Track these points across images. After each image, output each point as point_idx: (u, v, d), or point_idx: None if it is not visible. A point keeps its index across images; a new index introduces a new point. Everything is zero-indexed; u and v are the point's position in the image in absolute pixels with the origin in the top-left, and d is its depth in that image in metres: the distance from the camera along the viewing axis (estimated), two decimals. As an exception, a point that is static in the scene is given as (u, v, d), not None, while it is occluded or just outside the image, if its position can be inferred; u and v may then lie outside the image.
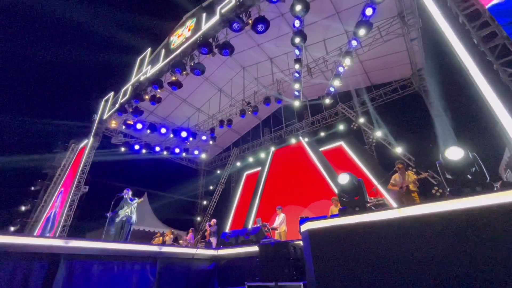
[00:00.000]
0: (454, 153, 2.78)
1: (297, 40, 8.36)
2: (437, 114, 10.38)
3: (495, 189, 2.61)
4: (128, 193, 6.66)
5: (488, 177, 2.67)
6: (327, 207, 9.31)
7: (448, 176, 2.84)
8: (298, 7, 7.30)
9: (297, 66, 10.01)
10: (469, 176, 2.72)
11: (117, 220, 6.33)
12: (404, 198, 5.81)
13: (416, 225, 2.61)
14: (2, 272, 3.19)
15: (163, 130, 12.92)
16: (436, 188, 8.92)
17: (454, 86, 8.46)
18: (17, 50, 24.23)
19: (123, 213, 6.38)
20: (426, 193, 8.02)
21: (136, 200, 6.55)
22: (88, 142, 12.69)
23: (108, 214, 6.31)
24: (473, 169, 2.70)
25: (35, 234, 12.66)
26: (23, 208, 15.80)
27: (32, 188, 16.48)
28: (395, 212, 2.79)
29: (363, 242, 2.86)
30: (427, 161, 9.66)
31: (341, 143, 12.60)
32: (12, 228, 15.27)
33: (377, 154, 12.33)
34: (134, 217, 6.49)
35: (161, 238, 10.89)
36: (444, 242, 2.41)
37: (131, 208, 6.43)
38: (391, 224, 2.77)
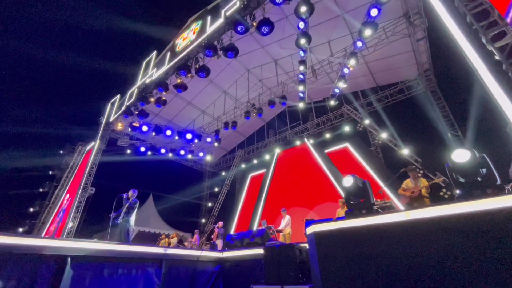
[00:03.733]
0: (461, 155, 2.73)
1: (302, 41, 8.35)
2: (444, 115, 10.25)
3: (506, 191, 2.54)
4: (128, 195, 6.63)
5: (498, 179, 2.61)
6: (332, 209, 9.23)
7: (460, 180, 2.78)
8: (303, 9, 7.30)
9: (301, 68, 10.00)
10: (479, 179, 2.66)
11: (117, 222, 6.34)
12: (416, 203, 5.72)
13: (424, 228, 2.56)
14: (10, 273, 3.23)
15: (169, 132, 13.02)
16: (444, 190, 8.77)
17: (462, 86, 8.34)
18: (25, 53, 24.77)
19: (121, 214, 6.38)
20: (434, 195, 7.89)
21: (129, 202, 6.50)
22: (95, 144, 12.85)
23: (111, 216, 6.33)
24: (483, 170, 2.64)
25: (42, 235, 12.83)
26: (31, 209, 16.07)
27: (40, 190, 16.76)
28: (403, 215, 2.74)
29: (370, 245, 2.82)
30: (435, 163, 9.52)
31: (347, 145, 12.50)
32: (20, 229, 15.52)
33: (383, 155, 12.20)
34: (131, 219, 6.45)
35: (166, 239, 10.93)
36: (453, 245, 2.35)
37: (128, 209, 6.41)
38: (399, 227, 2.72)
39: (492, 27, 3.92)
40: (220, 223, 10.84)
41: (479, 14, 4.10)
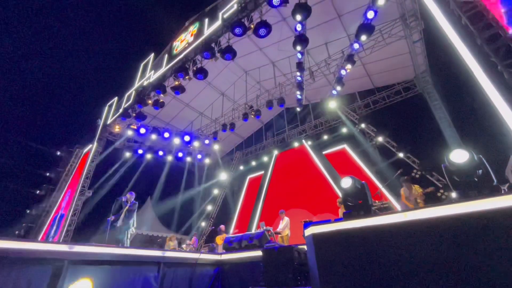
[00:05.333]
0: (459, 156, 2.74)
1: (299, 44, 8.38)
2: (441, 116, 10.31)
3: (502, 192, 2.56)
4: (126, 198, 6.59)
5: (495, 180, 2.62)
6: (330, 210, 9.24)
7: (456, 179, 2.79)
8: (300, 12, 7.33)
9: (299, 70, 10.03)
10: (476, 179, 2.67)
11: (118, 225, 6.30)
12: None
13: (422, 229, 2.57)
14: (6, 278, 3.19)
15: (166, 135, 12.99)
16: (441, 191, 8.81)
17: (458, 88, 8.41)
18: (24, 57, 24.66)
19: (120, 217, 6.35)
20: (431, 196, 7.93)
21: (128, 205, 6.46)
22: (92, 147, 12.79)
23: (109, 219, 6.30)
24: (480, 171, 2.66)
25: (39, 239, 12.71)
26: (27, 212, 15.94)
27: (37, 192, 16.65)
28: (401, 216, 2.75)
29: (369, 246, 2.82)
30: (432, 163, 9.57)
31: (345, 146, 12.54)
32: (17, 233, 15.38)
33: (381, 156, 12.23)
34: (131, 222, 6.41)
35: (171, 243, 10.79)
36: (451, 246, 2.36)
37: (127, 212, 6.38)
38: (397, 228, 2.73)
39: (487, 29, 3.96)
40: (222, 226, 10.84)
41: (473, 16, 4.14)
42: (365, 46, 9.92)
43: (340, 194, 9.11)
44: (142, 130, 12.59)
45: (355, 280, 2.78)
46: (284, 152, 14.53)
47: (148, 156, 14.58)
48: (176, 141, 13.52)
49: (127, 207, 6.41)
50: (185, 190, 17.61)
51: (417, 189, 5.93)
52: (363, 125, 11.85)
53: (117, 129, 12.83)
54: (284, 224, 8.72)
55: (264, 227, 7.68)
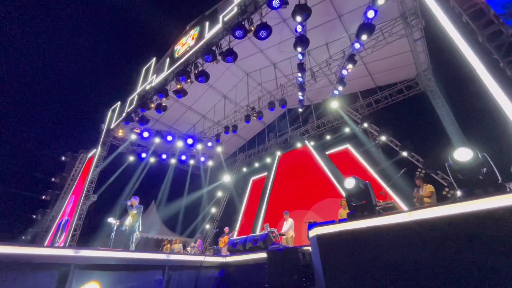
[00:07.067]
0: (463, 154, 2.72)
1: (300, 45, 8.39)
2: (444, 114, 10.24)
3: (508, 190, 2.54)
4: (130, 201, 6.64)
5: (500, 178, 2.60)
6: (335, 210, 9.19)
7: (460, 177, 2.77)
8: (300, 13, 7.34)
9: (300, 71, 10.03)
10: (480, 177, 2.66)
11: (122, 228, 6.34)
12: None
13: (427, 228, 2.55)
14: (12, 282, 3.23)
15: (169, 138, 13.06)
16: (446, 189, 8.73)
17: (461, 85, 8.35)
18: (27, 62, 24.97)
19: (126, 221, 6.40)
20: (436, 195, 7.87)
21: (133, 209, 6.49)
22: (96, 152, 12.88)
23: (113, 223, 6.34)
24: (484, 169, 2.64)
25: (45, 244, 12.82)
26: (33, 217, 16.09)
27: (43, 198, 16.79)
28: (405, 216, 2.74)
29: (373, 247, 2.81)
30: (436, 162, 9.50)
31: (348, 146, 12.49)
32: (23, 238, 15.52)
33: (384, 155, 12.16)
34: (136, 226, 6.45)
35: (169, 245, 10.89)
36: (457, 245, 2.34)
37: (133, 217, 6.42)
38: (402, 227, 2.71)
39: (488, 26, 3.94)
40: (227, 229, 10.87)
41: (474, 13, 4.12)
42: (366, 45, 9.90)
43: (343, 194, 9.08)
44: (145, 134, 12.67)
45: (360, 281, 2.77)
46: (287, 153, 14.50)
47: (152, 159, 14.65)
48: (179, 144, 13.59)
49: (132, 211, 6.46)
50: (189, 193, 17.65)
51: (429, 187, 5.92)
52: (365, 125, 11.79)
53: (120, 133, 12.93)
54: (288, 226, 8.69)
55: (269, 229, 7.66)
